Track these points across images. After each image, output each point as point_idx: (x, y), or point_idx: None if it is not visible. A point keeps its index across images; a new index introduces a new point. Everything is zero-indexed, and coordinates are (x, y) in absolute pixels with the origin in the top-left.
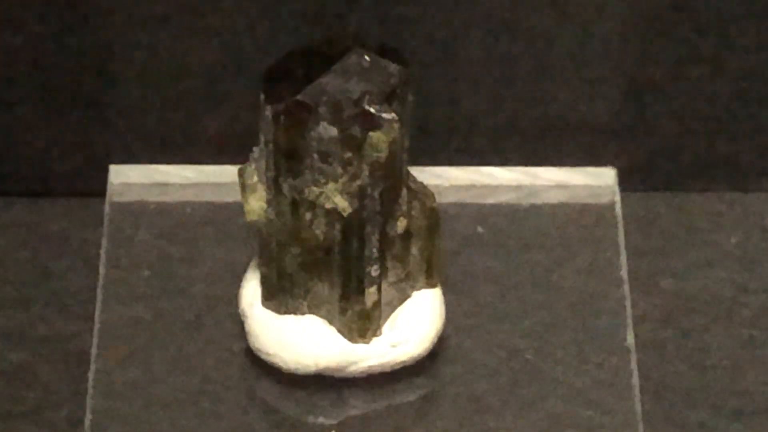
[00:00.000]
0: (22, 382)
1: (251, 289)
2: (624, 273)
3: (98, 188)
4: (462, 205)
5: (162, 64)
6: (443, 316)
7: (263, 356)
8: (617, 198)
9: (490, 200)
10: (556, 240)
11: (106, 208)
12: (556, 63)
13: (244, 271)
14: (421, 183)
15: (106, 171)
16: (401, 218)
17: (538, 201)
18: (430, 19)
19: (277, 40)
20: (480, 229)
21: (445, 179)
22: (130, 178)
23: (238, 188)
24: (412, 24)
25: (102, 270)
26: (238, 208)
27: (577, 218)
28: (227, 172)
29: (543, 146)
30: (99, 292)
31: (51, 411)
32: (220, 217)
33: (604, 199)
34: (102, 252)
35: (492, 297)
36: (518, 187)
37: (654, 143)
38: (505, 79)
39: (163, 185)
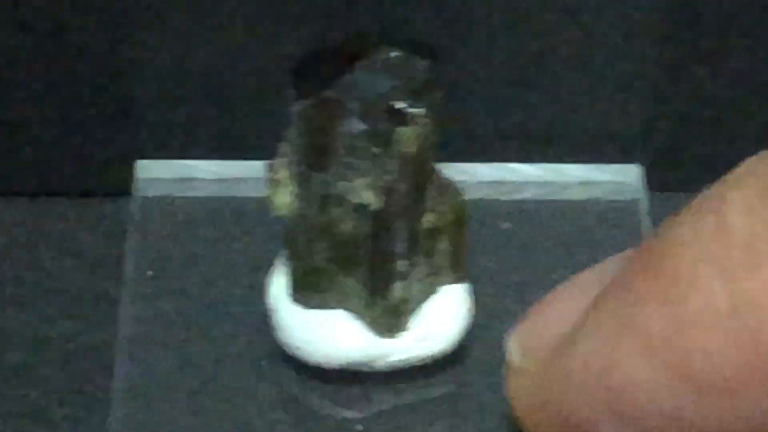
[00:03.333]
0: (22, 382)
1: (278, 284)
2: None
3: (99, 188)
4: (487, 201)
5: (190, 59)
6: (471, 311)
7: (290, 350)
8: (643, 196)
9: (516, 196)
10: (582, 237)
11: (133, 203)
12: (584, 58)
13: (271, 265)
14: (449, 178)
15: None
16: (429, 213)
17: (564, 197)
18: (463, 15)
19: (309, 35)
20: (505, 225)
21: (471, 175)
22: (156, 173)
23: (264, 183)
24: (424, 21)
25: (128, 265)
26: (265, 204)
27: (602, 215)
28: (254, 167)
29: (568, 143)
30: (125, 287)
31: (51, 411)
32: (246, 212)
33: (630, 197)
34: (127, 247)
35: (519, 293)
36: (544, 184)
37: (684, 141)
38: (533, 75)
39: (189, 180)
